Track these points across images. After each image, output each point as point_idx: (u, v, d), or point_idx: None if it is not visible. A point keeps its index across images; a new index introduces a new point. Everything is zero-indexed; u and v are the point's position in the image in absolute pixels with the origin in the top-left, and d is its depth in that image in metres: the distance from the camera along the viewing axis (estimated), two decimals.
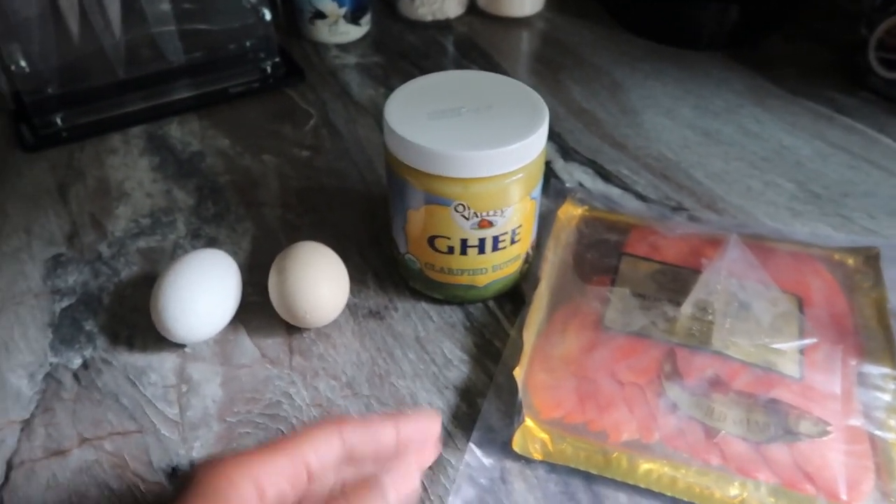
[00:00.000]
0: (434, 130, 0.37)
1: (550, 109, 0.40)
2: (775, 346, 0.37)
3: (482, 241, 0.39)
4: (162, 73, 0.63)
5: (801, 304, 0.40)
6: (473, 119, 0.38)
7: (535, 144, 0.37)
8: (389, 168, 0.40)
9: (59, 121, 0.59)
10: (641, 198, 0.51)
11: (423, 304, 0.43)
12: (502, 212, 0.38)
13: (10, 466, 0.35)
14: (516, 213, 0.39)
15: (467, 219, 0.38)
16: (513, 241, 0.40)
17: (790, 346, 0.38)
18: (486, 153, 0.36)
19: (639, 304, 0.40)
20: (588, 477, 0.34)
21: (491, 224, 0.39)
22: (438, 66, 0.68)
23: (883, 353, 0.38)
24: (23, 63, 0.56)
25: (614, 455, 0.34)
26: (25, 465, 0.35)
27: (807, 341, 0.38)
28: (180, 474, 0.35)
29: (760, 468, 0.33)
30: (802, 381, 0.36)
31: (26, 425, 0.37)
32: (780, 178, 0.53)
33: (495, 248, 0.40)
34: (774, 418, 0.35)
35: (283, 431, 0.37)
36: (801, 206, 0.50)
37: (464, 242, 0.39)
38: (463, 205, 0.37)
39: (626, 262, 0.43)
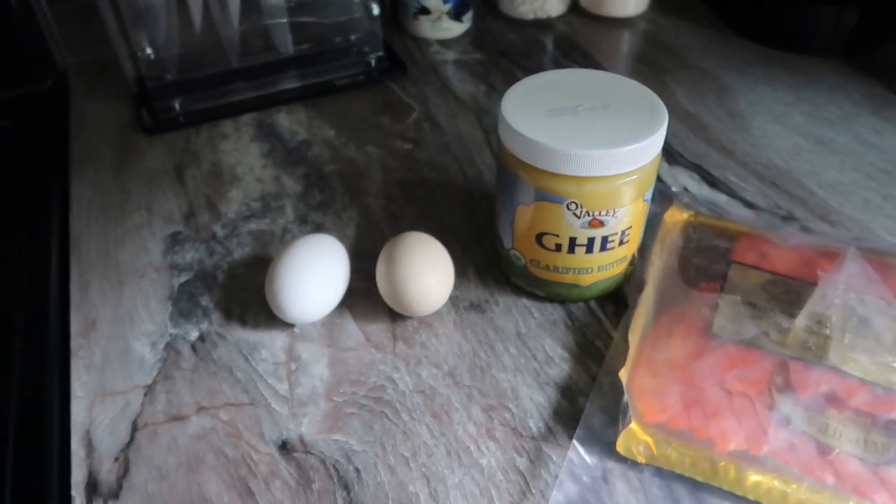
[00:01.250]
0: (551, 127, 0.37)
1: None
2: None
3: (591, 240, 0.39)
4: (272, 63, 0.65)
5: None
6: (591, 118, 0.38)
7: (652, 146, 0.37)
8: (501, 163, 0.40)
9: (177, 106, 0.62)
10: (749, 206, 0.50)
11: (525, 301, 0.44)
12: (614, 212, 0.38)
13: (134, 427, 0.38)
14: (627, 215, 0.39)
15: (578, 217, 0.38)
16: (621, 242, 0.40)
17: None
18: (602, 153, 0.36)
19: (749, 313, 0.39)
20: (692, 484, 0.34)
21: (602, 224, 0.38)
22: (538, 65, 0.68)
23: None
24: (148, 50, 0.59)
25: (721, 464, 0.33)
26: (148, 427, 0.38)
27: None
28: (290, 448, 0.36)
29: (878, 490, 0.32)
30: None
31: (149, 391, 0.39)
32: None
33: (603, 249, 0.40)
34: (895, 440, 0.33)
35: (386, 414, 0.38)
36: None
37: (572, 241, 0.39)
38: (575, 203, 0.37)
39: (734, 270, 0.42)
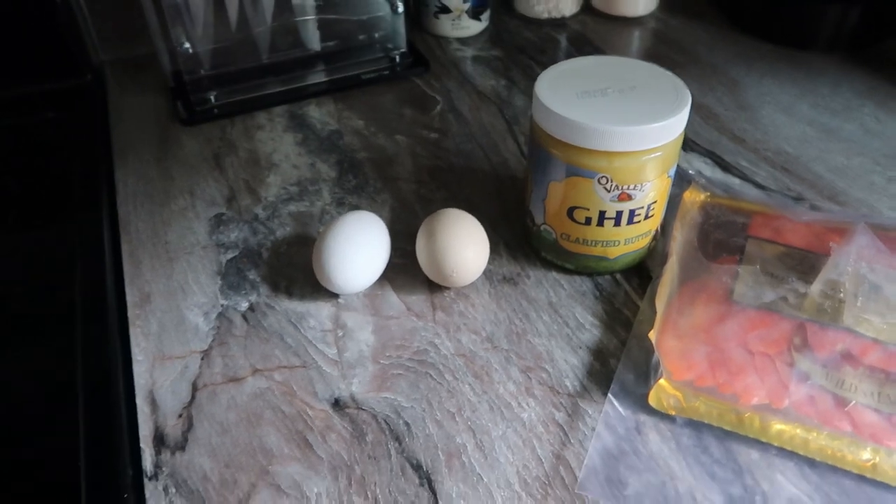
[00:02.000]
0: (582, 106, 0.40)
1: None
2: None
3: (619, 213, 0.42)
4: (301, 59, 0.68)
5: None
6: (619, 98, 0.41)
7: (677, 124, 0.40)
8: (534, 142, 0.43)
9: (212, 98, 0.64)
10: (762, 188, 0.53)
11: (554, 274, 0.46)
12: (642, 186, 0.41)
13: (195, 388, 0.40)
14: (653, 189, 0.42)
15: (608, 191, 0.41)
16: (647, 216, 0.43)
17: None
18: (632, 129, 0.39)
19: (768, 281, 0.42)
20: (720, 433, 0.36)
21: (630, 197, 0.41)
22: (554, 60, 0.70)
23: None
24: (186, 45, 0.62)
25: (746, 415, 0.36)
26: (208, 387, 0.40)
27: None
28: (342, 405, 0.39)
29: (892, 437, 0.35)
30: None
31: (205, 355, 0.42)
32: None
33: (630, 222, 0.43)
34: None
35: (431, 375, 0.40)
36: None
37: (602, 214, 0.42)
38: (606, 177, 0.40)
39: (751, 244, 0.45)
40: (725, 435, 0.36)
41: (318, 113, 0.64)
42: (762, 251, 0.45)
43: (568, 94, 0.41)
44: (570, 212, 0.43)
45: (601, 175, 0.40)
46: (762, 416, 0.36)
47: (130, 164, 0.58)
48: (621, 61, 0.45)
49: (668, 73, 0.43)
